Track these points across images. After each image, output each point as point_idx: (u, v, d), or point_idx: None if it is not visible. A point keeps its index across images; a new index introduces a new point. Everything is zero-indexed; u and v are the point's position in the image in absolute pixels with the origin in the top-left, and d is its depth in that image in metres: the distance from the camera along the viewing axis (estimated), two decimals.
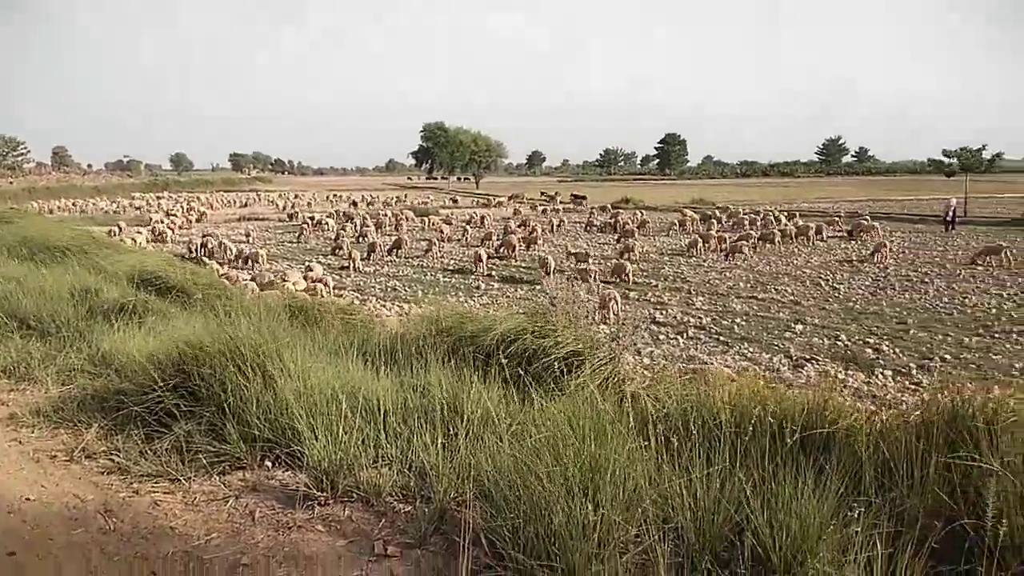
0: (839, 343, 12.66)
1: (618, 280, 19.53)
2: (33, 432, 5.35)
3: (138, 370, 5.56)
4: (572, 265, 21.05)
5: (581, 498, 3.11)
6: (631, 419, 3.69)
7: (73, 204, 53.03)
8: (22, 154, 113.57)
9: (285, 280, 17.33)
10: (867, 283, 18.53)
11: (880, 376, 10.56)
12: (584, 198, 56.94)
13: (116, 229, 29.59)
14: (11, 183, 76.75)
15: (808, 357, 11.78)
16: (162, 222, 35.11)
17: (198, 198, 59.95)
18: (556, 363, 4.98)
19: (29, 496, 4.32)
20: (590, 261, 21.50)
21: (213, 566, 3.56)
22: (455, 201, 57.79)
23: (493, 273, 21.31)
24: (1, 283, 9.01)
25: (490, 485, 3.55)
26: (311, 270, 18.77)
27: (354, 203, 54.05)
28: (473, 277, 20.50)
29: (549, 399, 4.34)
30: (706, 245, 25.13)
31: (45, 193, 63.43)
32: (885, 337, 12.96)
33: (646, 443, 3.58)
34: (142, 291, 9.31)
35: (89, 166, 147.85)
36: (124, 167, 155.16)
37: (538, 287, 18.48)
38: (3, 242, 12.69)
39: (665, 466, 3.53)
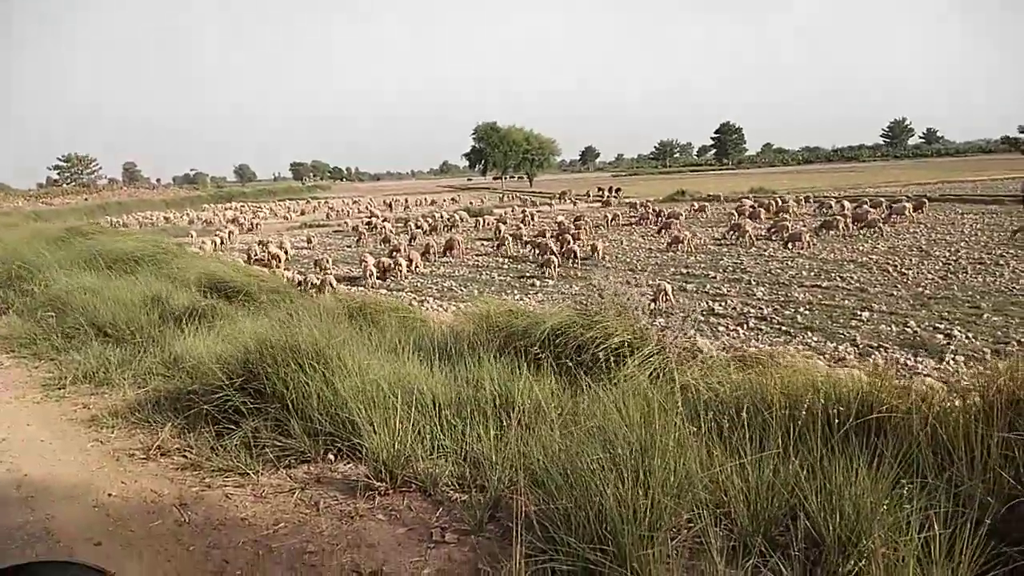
0: (908, 329, 12.20)
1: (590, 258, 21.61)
2: (113, 432, 5.69)
3: (207, 371, 5.84)
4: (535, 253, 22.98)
5: (631, 483, 3.15)
6: (680, 406, 3.69)
7: (144, 217, 55.31)
8: (94, 171, 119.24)
9: (364, 260, 20.90)
10: (937, 267, 17.80)
11: (952, 362, 10.15)
12: (619, 190, 56.05)
13: (187, 239, 30.87)
14: (86, 199, 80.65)
15: (875, 345, 11.39)
16: (226, 230, 36.42)
17: (260, 207, 61.78)
18: (605, 354, 5.01)
19: (111, 492, 4.61)
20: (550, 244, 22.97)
21: (281, 554, 3.73)
22: (482, 201, 57.69)
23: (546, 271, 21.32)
24: (80, 294, 9.54)
25: (542, 473, 3.62)
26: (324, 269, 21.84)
27: (389, 206, 55.79)
28: (528, 275, 20.55)
29: (599, 389, 4.38)
30: (747, 233, 24.83)
31: (117, 208, 66.24)
32: (957, 322, 12.43)
33: (696, 430, 3.59)
34: (210, 296, 9.71)
35: (158, 180, 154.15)
36: (191, 180, 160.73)
37: (593, 282, 18.43)
38: (81, 255, 13.40)
39: (717, 452, 3.54)
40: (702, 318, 13.92)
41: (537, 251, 23.30)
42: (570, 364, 4.90)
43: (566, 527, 3.21)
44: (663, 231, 27.44)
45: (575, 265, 21.59)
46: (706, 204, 39.35)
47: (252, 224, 43.06)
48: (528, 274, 20.73)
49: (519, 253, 25.00)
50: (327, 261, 23.19)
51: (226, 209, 61.64)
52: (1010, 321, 12.23)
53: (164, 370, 6.86)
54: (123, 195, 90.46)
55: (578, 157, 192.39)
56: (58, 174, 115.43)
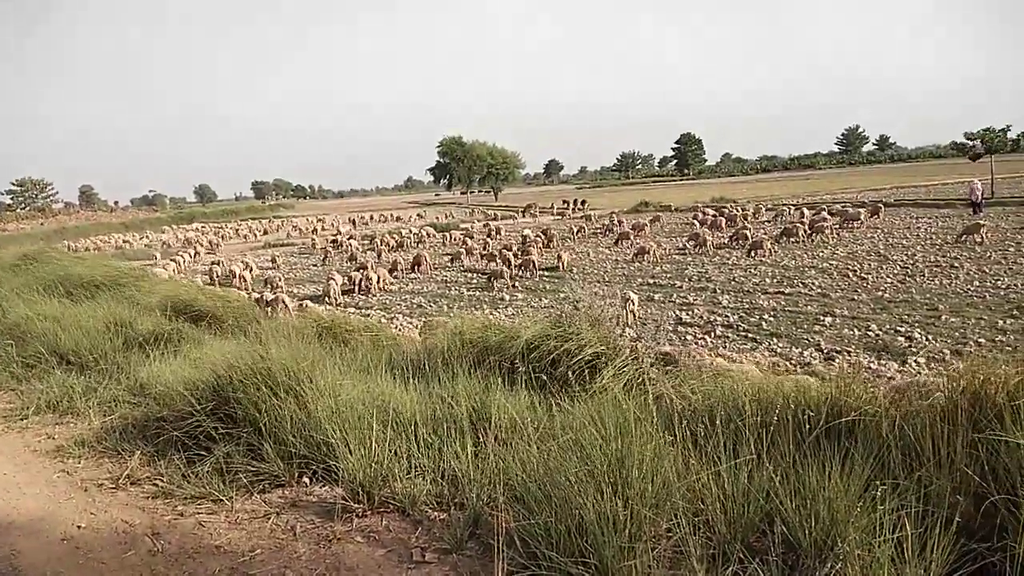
0: (870, 333, 12.51)
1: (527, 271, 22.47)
2: (79, 463, 5.54)
3: (176, 397, 5.73)
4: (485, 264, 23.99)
5: (610, 495, 3.18)
6: (655, 416, 3.74)
7: (103, 241, 54.12)
8: (50, 195, 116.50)
9: (330, 278, 21.30)
10: (895, 271, 18.29)
11: (913, 364, 10.42)
12: (584, 203, 56.93)
13: (149, 261, 30.38)
14: (42, 224, 78.84)
15: (839, 349, 11.65)
16: (188, 251, 35.92)
17: (222, 228, 60.99)
18: (580, 366, 5.05)
19: (80, 524, 4.48)
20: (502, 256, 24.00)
21: None
22: (448, 216, 57.49)
23: (516, 284, 21.39)
24: (40, 321, 9.30)
25: (521, 488, 3.63)
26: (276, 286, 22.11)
27: (354, 223, 55.86)
28: (496, 289, 20.57)
29: (574, 401, 4.41)
30: (707, 243, 25.61)
31: (75, 232, 64.61)
32: (917, 324, 12.77)
33: (672, 439, 3.64)
34: (175, 320, 9.55)
35: (116, 203, 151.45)
36: (149, 202, 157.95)
37: (561, 295, 18.55)
38: (40, 282, 13.08)
39: (693, 461, 3.58)
40: (670, 327, 14.11)
41: (497, 262, 23.47)
42: (545, 378, 4.93)
43: (547, 542, 3.22)
44: (620, 242, 28.28)
45: (534, 276, 21.86)
46: (660, 215, 40.26)
47: (212, 245, 42.52)
48: (497, 288, 20.78)
49: (486, 267, 25.05)
50: (278, 280, 23.26)
51: (187, 231, 60.62)
52: (967, 322, 12.60)
53: (130, 397, 6.72)
54: (80, 219, 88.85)
55: (542, 170, 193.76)
56: (11, 199, 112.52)
